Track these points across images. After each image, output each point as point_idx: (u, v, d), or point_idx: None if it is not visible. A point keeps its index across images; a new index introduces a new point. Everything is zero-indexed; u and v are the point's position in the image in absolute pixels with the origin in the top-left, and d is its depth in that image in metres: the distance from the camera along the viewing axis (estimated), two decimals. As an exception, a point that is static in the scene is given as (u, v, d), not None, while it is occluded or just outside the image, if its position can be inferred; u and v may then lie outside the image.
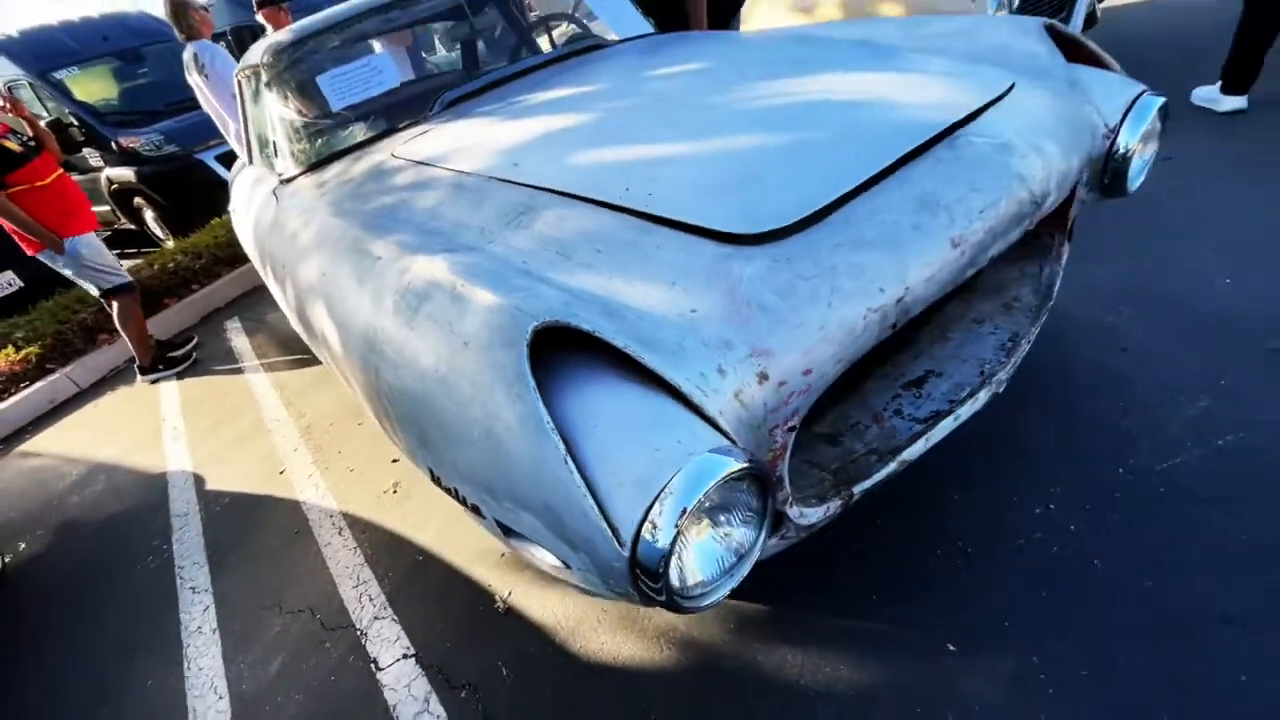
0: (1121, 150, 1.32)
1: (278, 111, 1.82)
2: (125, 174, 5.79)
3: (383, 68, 1.78)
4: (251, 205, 2.04)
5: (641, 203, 1.05)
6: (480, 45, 2.71)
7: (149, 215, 6.13)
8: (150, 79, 6.38)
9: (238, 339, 3.67)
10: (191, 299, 4.19)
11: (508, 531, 0.93)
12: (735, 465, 0.75)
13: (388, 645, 1.56)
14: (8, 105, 3.01)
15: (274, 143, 1.84)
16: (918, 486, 1.48)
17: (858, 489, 1.06)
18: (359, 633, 1.62)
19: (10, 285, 5.12)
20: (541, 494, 0.78)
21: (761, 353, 0.87)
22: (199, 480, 2.46)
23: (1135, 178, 1.40)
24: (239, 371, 3.26)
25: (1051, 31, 1.48)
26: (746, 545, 0.84)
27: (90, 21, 6.29)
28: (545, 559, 0.90)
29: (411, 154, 1.54)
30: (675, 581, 0.78)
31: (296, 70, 1.82)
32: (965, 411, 1.15)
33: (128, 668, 1.75)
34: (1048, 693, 1.10)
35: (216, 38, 7.90)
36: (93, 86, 6.08)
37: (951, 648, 1.20)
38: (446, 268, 1.01)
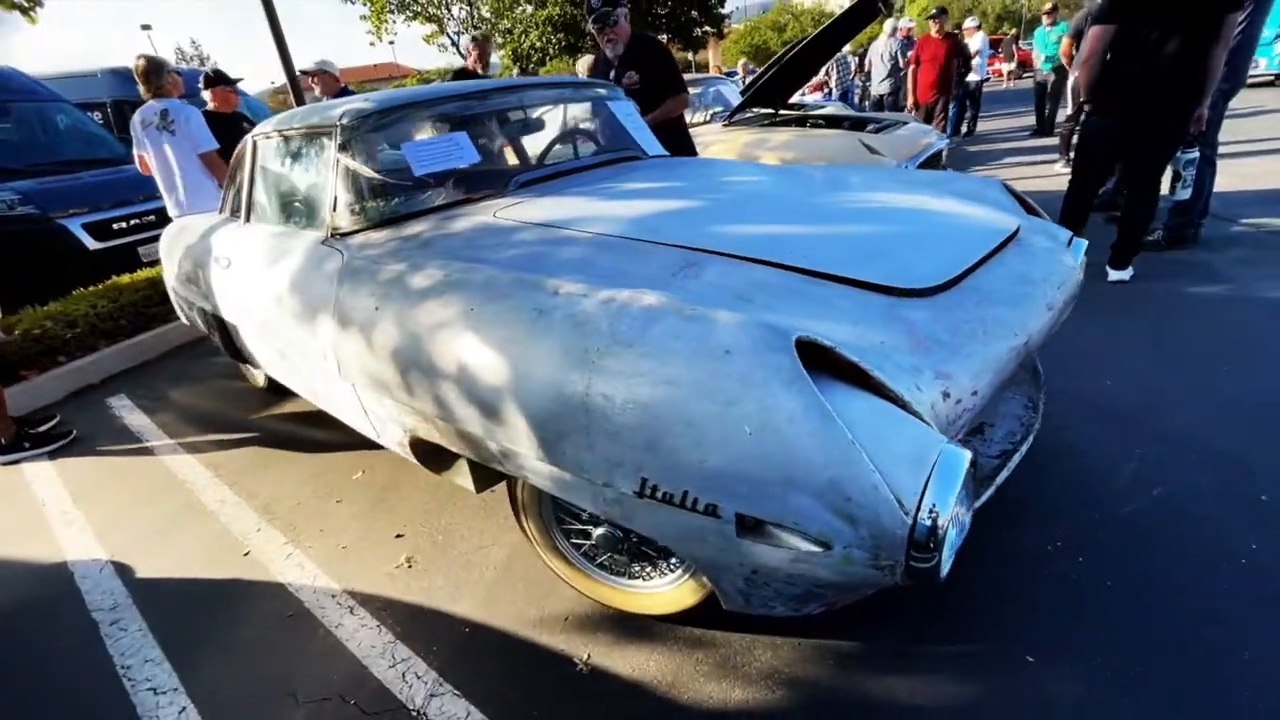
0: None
1: (347, 169, 1.85)
2: (-47, 231, 4.97)
3: (464, 145, 1.91)
4: (279, 258, 1.96)
5: (804, 261, 1.28)
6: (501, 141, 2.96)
7: (-30, 280, 5.22)
8: (11, 136, 5.70)
9: (133, 417, 3.17)
10: (57, 372, 3.58)
11: (744, 527, 1.00)
12: (971, 454, 0.94)
13: (457, 722, 1.41)
14: None
15: (335, 198, 1.85)
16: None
17: (973, 506, 1.27)
18: (413, 713, 1.44)
19: None
20: (827, 473, 0.90)
21: (944, 375, 1.09)
22: (123, 569, 2.04)
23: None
24: (146, 452, 2.80)
25: (1005, 187, 2.03)
26: (966, 525, 1.00)
27: (-52, 69, 5.60)
28: (791, 547, 0.98)
29: (521, 217, 1.66)
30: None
31: (376, 135, 1.88)
32: (1024, 448, 1.44)
33: (74, 794, 1.36)
34: (1117, 682, 1.32)
35: (94, 108, 7.36)
36: (-70, 134, 5.33)
37: (1030, 659, 1.39)
38: (660, 298, 1.14)
